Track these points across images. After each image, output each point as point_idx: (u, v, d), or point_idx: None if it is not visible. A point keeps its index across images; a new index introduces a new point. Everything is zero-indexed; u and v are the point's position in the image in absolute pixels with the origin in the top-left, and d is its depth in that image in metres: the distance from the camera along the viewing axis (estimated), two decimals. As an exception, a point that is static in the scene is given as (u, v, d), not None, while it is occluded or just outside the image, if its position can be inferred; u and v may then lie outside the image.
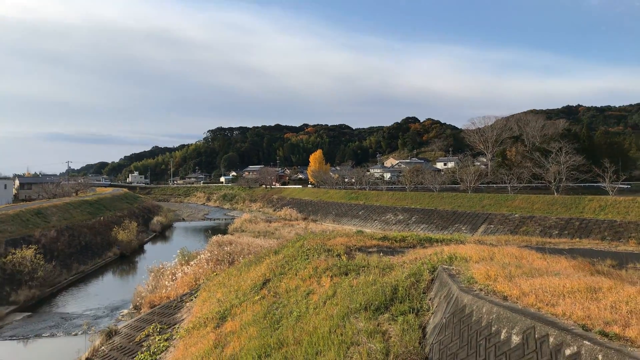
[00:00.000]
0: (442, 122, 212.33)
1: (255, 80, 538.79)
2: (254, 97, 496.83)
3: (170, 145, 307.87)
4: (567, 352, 5.91)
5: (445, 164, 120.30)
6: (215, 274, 26.81)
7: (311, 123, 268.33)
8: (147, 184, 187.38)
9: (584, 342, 5.78)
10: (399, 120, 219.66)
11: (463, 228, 48.74)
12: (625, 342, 5.66)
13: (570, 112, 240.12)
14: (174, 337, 18.12)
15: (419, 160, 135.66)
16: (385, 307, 10.87)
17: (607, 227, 37.94)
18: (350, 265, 15.17)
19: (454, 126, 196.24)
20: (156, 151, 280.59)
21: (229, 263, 29.89)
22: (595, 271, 10.74)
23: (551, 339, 6.28)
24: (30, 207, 47.42)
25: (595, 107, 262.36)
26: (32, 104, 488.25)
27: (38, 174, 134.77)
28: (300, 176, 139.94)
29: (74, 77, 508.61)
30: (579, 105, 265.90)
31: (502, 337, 7.24)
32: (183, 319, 20.39)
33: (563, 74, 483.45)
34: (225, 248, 33.49)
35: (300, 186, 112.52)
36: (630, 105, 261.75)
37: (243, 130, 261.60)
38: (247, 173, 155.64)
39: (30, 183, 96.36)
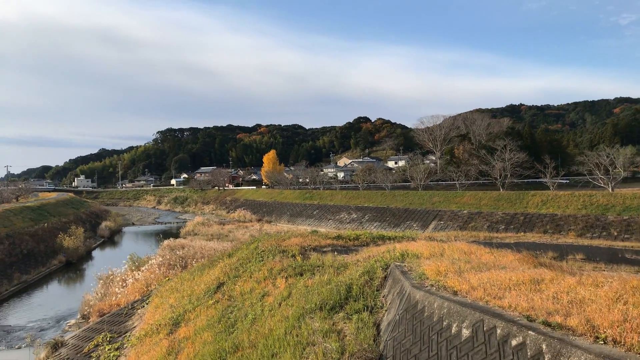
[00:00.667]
0: (393, 121, 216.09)
1: (206, 80, 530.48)
2: (205, 97, 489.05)
3: (118, 148, 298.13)
4: (514, 342, 6.15)
5: (396, 163, 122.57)
6: (167, 279, 26.19)
7: (264, 123, 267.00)
8: (95, 187, 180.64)
9: (529, 332, 6.03)
10: (351, 120, 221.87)
11: (415, 225, 49.82)
12: (567, 331, 5.93)
13: (513, 111, 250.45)
14: (125, 345, 17.56)
15: (371, 160, 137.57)
16: (340, 306, 10.96)
17: (549, 221, 39.80)
18: (305, 265, 15.18)
19: (404, 125, 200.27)
20: (103, 154, 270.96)
21: (182, 267, 29.29)
22: (538, 264, 11.22)
23: (498, 331, 6.52)
24: (-36, 215, 44.67)
25: (536, 105, 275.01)
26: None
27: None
28: (254, 177, 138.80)
29: (12, 76, 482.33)
30: (521, 104, 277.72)
31: (452, 331, 7.45)
32: (135, 327, 19.79)
33: (506, 74, 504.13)
34: (178, 252, 32.79)
35: (254, 187, 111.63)
36: (567, 104, 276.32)
37: (194, 131, 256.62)
38: (199, 175, 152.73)
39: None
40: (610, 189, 44.33)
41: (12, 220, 49.13)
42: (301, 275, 14.43)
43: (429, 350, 7.72)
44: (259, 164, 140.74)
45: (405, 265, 11.72)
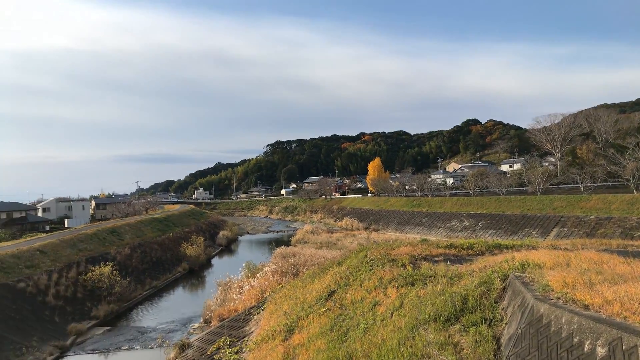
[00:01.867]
0: (505, 122, 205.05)
1: (310, 93, 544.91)
2: (310, 110, 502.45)
3: (232, 161, 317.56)
4: (661, 365, 5.44)
5: (511, 166, 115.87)
6: (280, 286, 27.11)
7: (368, 131, 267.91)
8: (212, 199, 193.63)
9: (681, 354, 5.29)
10: (459, 123, 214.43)
11: (533, 232, 46.60)
12: None
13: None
14: (243, 350, 18.45)
15: (483, 164, 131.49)
16: (456, 318, 10.51)
17: (697, 226, 35.00)
18: (416, 275, 14.82)
19: (518, 126, 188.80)
20: (219, 167, 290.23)
21: (294, 275, 30.15)
22: (687, 275, 9.85)
23: (641, 351, 5.81)
24: (105, 227, 50.28)
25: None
26: (101, 129, 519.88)
27: (111, 194, 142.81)
28: (360, 185, 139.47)
29: (138, 100, 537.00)
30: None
31: (585, 349, 6.78)
32: (252, 332, 20.72)
33: (635, 64, 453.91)
34: (289, 260, 33.82)
35: (360, 195, 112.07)
36: None
37: (301, 142, 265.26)
38: (306, 185, 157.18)
39: (105, 203, 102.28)
40: None
41: (143, 230, 54.32)
42: (412, 285, 14.11)
43: (558, 369, 7.09)
44: (364, 172, 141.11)
45: (526, 276, 10.94)
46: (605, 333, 6.57)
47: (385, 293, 14.57)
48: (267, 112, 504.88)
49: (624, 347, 6.13)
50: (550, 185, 64.32)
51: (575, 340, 7.06)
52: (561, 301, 8.45)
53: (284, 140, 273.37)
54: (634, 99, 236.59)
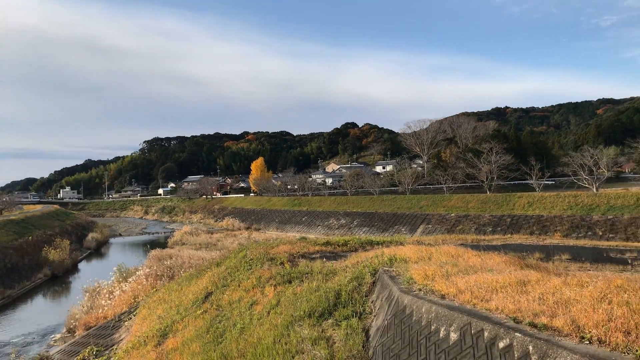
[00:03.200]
0: (380, 126, 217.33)
1: (192, 89, 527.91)
2: (191, 106, 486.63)
3: (104, 158, 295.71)
4: (501, 345, 6.16)
5: (384, 168, 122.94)
6: (155, 290, 25.91)
7: (251, 130, 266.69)
8: (81, 199, 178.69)
9: (516, 334, 6.04)
10: (339, 126, 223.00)
11: (403, 229, 49.96)
12: (553, 332, 5.96)
13: (499, 114, 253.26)
14: (111, 359, 17.30)
15: (359, 165, 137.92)
16: (329, 313, 10.91)
17: (536, 222, 40.15)
18: (294, 272, 15.11)
19: (391, 130, 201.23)
20: (89, 164, 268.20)
21: (170, 278, 29.01)
22: (524, 265, 11.30)
23: (486, 334, 6.52)
24: (-54, 230, 43.85)
25: (522, 108, 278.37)
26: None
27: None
28: (242, 185, 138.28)
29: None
30: (506, 107, 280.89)
31: (441, 335, 7.44)
32: (122, 339, 19.52)
33: (491, 77, 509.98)
34: (165, 262, 32.48)
35: (243, 195, 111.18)
36: (552, 106, 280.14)
37: (181, 139, 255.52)
38: (186, 184, 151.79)
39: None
40: (594, 190, 44.87)
41: (-4, 234, 48.34)
42: (290, 282, 14.36)
43: (418, 354, 7.71)
44: (247, 171, 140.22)
45: (393, 270, 11.72)
46: (458, 319, 7.28)
47: (263, 292, 14.64)
48: (145, 107, 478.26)
49: (472, 331, 6.84)
50: (418, 185, 69.52)
51: (433, 327, 7.73)
52: (422, 292, 9.19)
53: (163, 137, 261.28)
54: (489, 109, 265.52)
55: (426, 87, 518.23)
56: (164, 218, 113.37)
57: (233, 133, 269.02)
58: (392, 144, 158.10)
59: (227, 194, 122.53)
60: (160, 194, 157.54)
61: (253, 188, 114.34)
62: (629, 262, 22.94)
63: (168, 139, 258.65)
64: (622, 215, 35.74)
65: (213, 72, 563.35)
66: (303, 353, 9.52)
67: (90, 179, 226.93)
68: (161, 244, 60.70)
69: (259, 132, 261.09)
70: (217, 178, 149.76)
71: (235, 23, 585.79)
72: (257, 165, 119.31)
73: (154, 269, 30.86)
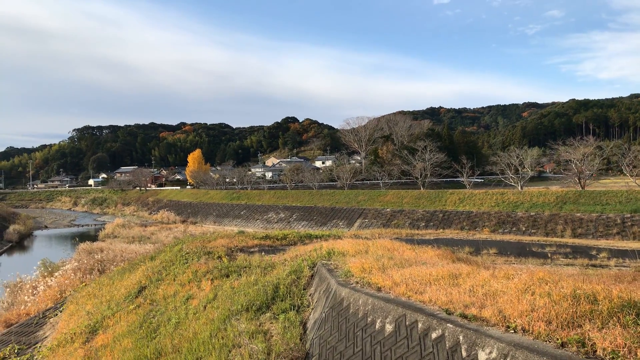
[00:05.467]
0: (320, 122, 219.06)
1: (125, 76, 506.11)
2: (125, 94, 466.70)
3: (28, 146, 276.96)
4: (434, 335, 6.42)
5: (323, 163, 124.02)
6: (84, 284, 24.75)
7: (189, 121, 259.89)
8: (1, 188, 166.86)
9: (447, 325, 6.32)
10: (279, 120, 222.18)
11: (341, 223, 50.67)
12: (482, 322, 6.27)
13: (433, 113, 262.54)
14: (35, 357, 16.36)
15: (299, 159, 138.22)
16: (267, 307, 10.90)
17: (466, 218, 42.01)
18: (232, 266, 14.95)
19: (331, 126, 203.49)
20: (11, 152, 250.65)
21: (100, 272, 27.84)
22: (456, 259, 11.81)
23: (420, 325, 6.77)
24: None
25: (454, 108, 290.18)
26: None
27: None
28: (179, 177, 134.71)
29: None
30: (440, 106, 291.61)
31: (377, 326, 7.64)
32: (46, 337, 18.50)
33: (426, 78, 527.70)
34: (96, 256, 31.12)
35: (179, 187, 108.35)
36: (482, 107, 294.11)
37: (114, 129, 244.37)
38: (119, 175, 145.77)
39: None
40: (519, 187, 47.61)
41: None
42: (227, 276, 14.19)
43: (354, 346, 7.87)
44: (184, 163, 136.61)
45: (331, 263, 11.87)
46: (393, 311, 7.50)
47: (199, 286, 14.37)
48: (75, 93, 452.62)
49: (407, 323, 7.07)
50: (356, 181, 70.76)
51: (369, 319, 7.92)
52: (359, 285, 9.38)
53: (94, 125, 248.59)
54: (424, 108, 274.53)
55: (365, 85, 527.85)
56: (94, 210, 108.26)
57: (169, 123, 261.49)
58: (332, 140, 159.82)
59: (162, 186, 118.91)
60: (90, 185, 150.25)
61: (190, 180, 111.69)
62: (549, 255, 24.54)
63: (100, 128, 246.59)
64: (543, 212, 38.14)
65: (147, 59, 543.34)
66: (240, 347, 9.46)
67: (12, 167, 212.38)
68: (92, 236, 57.97)
69: (196, 123, 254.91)
70: (152, 169, 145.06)
71: (170, 9, 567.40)
72: (194, 157, 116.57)
73: (84, 263, 29.47)
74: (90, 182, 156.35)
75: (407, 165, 61.97)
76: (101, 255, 31.59)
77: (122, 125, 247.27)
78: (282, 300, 10.94)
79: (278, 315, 10.33)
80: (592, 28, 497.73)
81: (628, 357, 4.66)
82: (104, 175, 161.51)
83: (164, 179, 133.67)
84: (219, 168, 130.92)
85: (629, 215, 33.81)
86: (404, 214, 47.30)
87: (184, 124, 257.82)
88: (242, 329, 10.05)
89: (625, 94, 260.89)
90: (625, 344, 4.84)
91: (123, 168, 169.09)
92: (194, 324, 11.47)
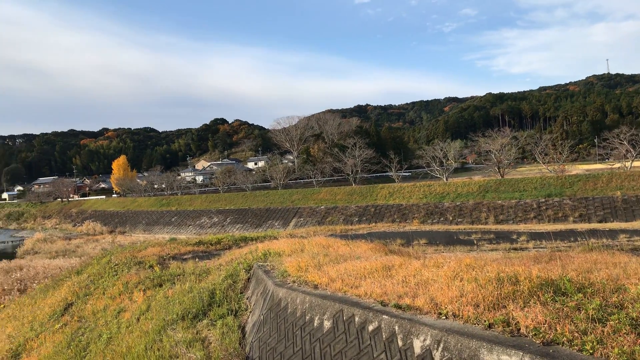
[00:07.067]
0: (251, 122, 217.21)
1: (38, 81, 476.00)
2: (40, 101, 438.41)
3: None
4: (370, 328, 6.57)
5: (256, 164, 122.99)
6: (2, 306, 23.01)
7: (112, 127, 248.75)
8: None
9: (383, 316, 6.49)
10: (208, 122, 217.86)
11: (276, 224, 50.54)
12: (415, 311, 6.49)
13: (361, 111, 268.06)
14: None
15: (231, 161, 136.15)
16: (204, 313, 10.69)
17: (396, 211, 43.32)
18: (165, 275, 14.52)
19: (262, 127, 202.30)
20: None
21: (21, 292, 25.98)
22: (389, 251, 12.16)
23: (357, 319, 6.90)
24: None
25: (381, 105, 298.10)
26: None
27: None
28: (104, 186, 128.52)
29: None
30: (367, 104, 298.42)
31: (315, 324, 7.71)
32: (-39, 367, 17.02)
33: (352, 76, 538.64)
34: (14, 275, 29.00)
35: (104, 197, 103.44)
36: (407, 103, 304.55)
37: (29, 137, 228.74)
38: (37, 186, 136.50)
39: None
40: (445, 179, 49.76)
41: None
42: (160, 286, 13.77)
43: (294, 346, 7.89)
44: (108, 171, 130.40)
45: (267, 265, 11.83)
46: (330, 307, 7.59)
47: (131, 298, 13.83)
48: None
49: (344, 318, 7.19)
50: (290, 180, 70.83)
51: (307, 317, 7.97)
52: (296, 284, 9.41)
53: (6, 134, 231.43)
54: (352, 106, 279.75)
55: (294, 85, 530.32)
56: (10, 225, 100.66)
57: (91, 130, 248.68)
58: (263, 140, 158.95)
59: (86, 196, 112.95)
60: (4, 199, 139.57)
61: (116, 189, 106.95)
62: (475, 242, 25.85)
63: (12, 137, 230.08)
64: (468, 202, 40.12)
65: (62, 63, 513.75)
66: (177, 357, 9.20)
67: None
68: (9, 254, 53.90)
69: (120, 128, 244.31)
70: (74, 179, 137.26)
71: (85, 9, 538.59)
72: (119, 164, 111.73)
73: (0, 283, 27.37)
74: (5, 195, 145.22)
75: (338, 163, 62.89)
76: (20, 273, 29.50)
77: (37, 133, 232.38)
78: (219, 306, 10.76)
79: (215, 321, 10.16)
80: (502, 25, 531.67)
81: (548, 332, 4.99)
82: (20, 188, 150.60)
83: (87, 189, 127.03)
84: (146, 174, 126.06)
85: (543, 200, 36.34)
86: (337, 211, 47.97)
87: (106, 129, 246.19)
88: (178, 339, 9.79)
89: (535, 87, 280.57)
90: (546, 320, 5.18)
91: (41, 179, 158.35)
92: (127, 338, 11.02)
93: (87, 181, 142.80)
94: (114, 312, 13.37)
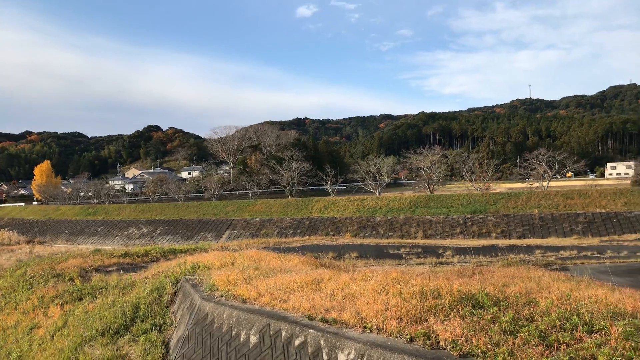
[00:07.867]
0: (186, 131, 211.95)
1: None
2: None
3: None
4: (296, 342, 6.56)
5: (189, 173, 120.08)
6: None
7: (35, 130, 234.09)
8: None
9: (310, 331, 6.49)
10: (141, 129, 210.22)
11: (208, 236, 49.43)
12: (341, 325, 6.56)
13: (299, 124, 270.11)
14: None
15: (163, 170, 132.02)
16: (126, 329, 10.23)
17: (330, 224, 43.74)
18: (86, 288, 13.78)
19: (198, 135, 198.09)
20: None
21: None
22: (319, 264, 12.23)
23: (283, 333, 6.87)
24: None
25: (319, 119, 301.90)
26: None
27: None
28: (23, 192, 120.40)
29: None
30: (306, 117, 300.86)
31: (241, 339, 7.59)
32: None
33: (292, 89, 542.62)
34: None
35: (23, 204, 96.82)
36: (344, 118, 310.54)
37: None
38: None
39: None
40: (377, 193, 50.95)
41: None
42: (80, 300, 13.05)
43: (219, 361, 7.72)
44: (30, 177, 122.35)
45: (195, 278, 11.54)
46: (258, 322, 7.51)
47: (46, 313, 12.98)
48: None
49: (271, 332, 7.12)
50: (225, 191, 69.69)
51: (234, 332, 7.83)
52: (224, 298, 9.23)
53: None
54: (291, 119, 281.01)
55: (232, 95, 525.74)
56: None
57: (11, 132, 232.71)
58: (199, 149, 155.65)
59: (2, 203, 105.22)
60: None
61: (37, 196, 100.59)
62: (404, 256, 26.58)
63: None
64: (399, 216, 41.26)
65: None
66: (94, 376, 8.73)
67: None
68: None
69: (45, 132, 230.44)
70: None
71: (9, 4, 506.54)
72: (42, 170, 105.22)
73: None
74: None
75: (275, 175, 62.73)
76: None
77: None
78: (142, 321, 10.34)
79: (138, 337, 9.75)
80: (436, 47, 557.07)
81: (465, 345, 5.21)
82: None
83: (4, 195, 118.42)
84: (72, 181, 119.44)
85: (469, 216, 38.08)
86: (272, 223, 47.69)
87: (29, 132, 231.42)
88: (96, 356, 9.29)
89: (465, 108, 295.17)
90: (463, 333, 5.40)
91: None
92: (39, 357, 10.32)
93: (5, 187, 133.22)
94: (27, 329, 12.48)
